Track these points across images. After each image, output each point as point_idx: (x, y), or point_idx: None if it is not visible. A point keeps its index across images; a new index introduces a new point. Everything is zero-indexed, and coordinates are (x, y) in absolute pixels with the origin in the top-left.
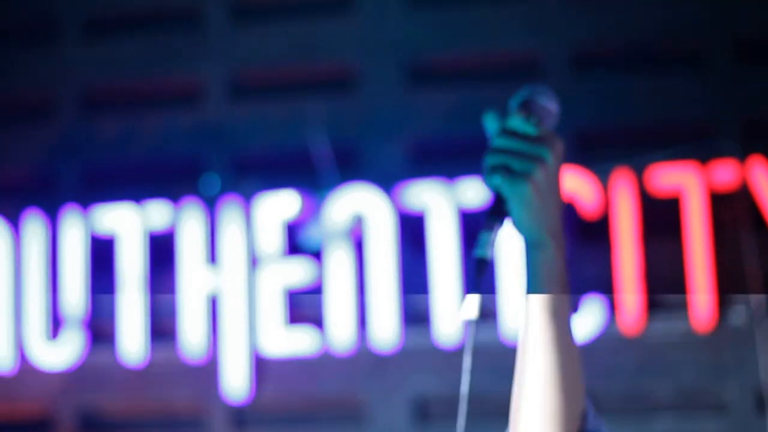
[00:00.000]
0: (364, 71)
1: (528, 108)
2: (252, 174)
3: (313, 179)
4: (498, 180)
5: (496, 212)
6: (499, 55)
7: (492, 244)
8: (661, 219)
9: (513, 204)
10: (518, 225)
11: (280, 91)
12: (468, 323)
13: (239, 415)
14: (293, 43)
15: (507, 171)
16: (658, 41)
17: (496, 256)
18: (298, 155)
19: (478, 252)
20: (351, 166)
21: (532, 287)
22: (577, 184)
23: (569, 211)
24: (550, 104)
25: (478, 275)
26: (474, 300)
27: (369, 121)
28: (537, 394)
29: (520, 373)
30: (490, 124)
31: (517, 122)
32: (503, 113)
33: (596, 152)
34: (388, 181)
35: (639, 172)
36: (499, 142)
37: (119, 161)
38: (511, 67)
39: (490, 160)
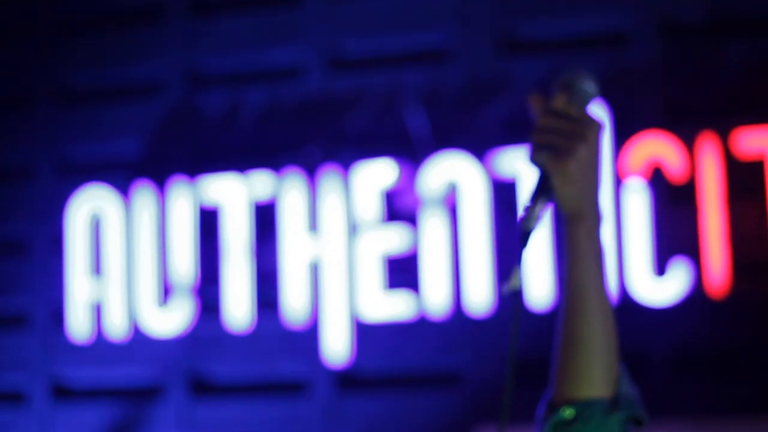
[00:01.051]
0: (459, 42)
1: (569, 89)
2: (351, 144)
3: (410, 148)
4: (543, 157)
5: (541, 188)
6: (587, 25)
7: (538, 217)
8: (746, 182)
9: (556, 180)
10: (561, 199)
11: (378, 64)
12: (514, 293)
13: (341, 379)
14: (389, 16)
15: (551, 149)
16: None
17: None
18: (395, 125)
19: (526, 225)
20: (446, 135)
21: (572, 257)
22: (663, 149)
23: (656, 176)
24: (590, 86)
25: (524, 247)
26: (521, 271)
27: (464, 90)
28: (574, 357)
29: (559, 337)
30: (536, 104)
31: (560, 103)
32: (547, 95)
33: (682, 117)
34: (482, 149)
35: (724, 136)
36: (543, 121)
37: (225, 134)
38: (599, 37)
39: (535, 138)
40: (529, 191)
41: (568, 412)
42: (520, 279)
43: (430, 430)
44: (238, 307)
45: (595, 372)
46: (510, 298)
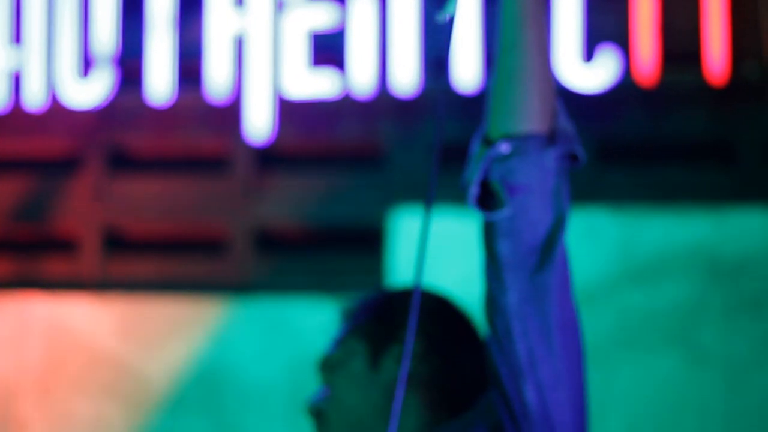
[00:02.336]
0: None
1: None
2: None
3: None
4: None
5: None
6: None
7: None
8: None
9: None
10: None
11: None
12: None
13: (261, 156)
14: None
15: None
16: None
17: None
18: None
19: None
20: None
21: None
22: None
23: None
24: None
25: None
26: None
27: None
28: (511, 89)
29: (495, 70)
30: None
31: None
32: None
33: None
34: None
35: None
36: None
37: None
38: None
39: None
40: None
41: (504, 147)
42: (455, 5)
43: (352, 210)
44: (159, 80)
45: (533, 105)
46: (436, 68)
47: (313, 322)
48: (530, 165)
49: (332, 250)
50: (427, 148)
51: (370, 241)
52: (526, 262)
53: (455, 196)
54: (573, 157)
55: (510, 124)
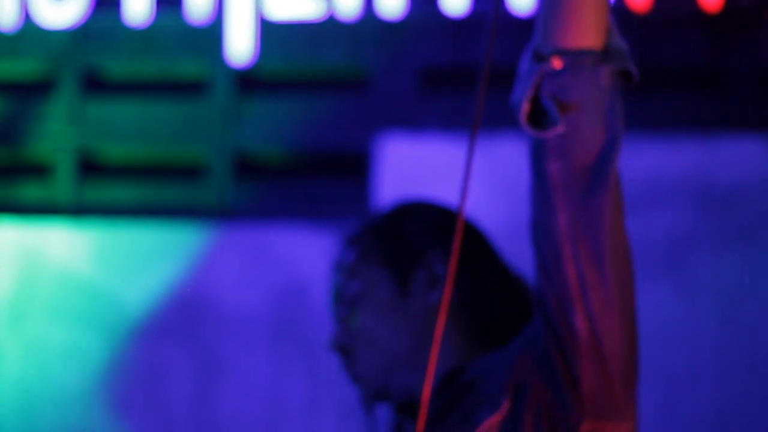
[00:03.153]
0: None
1: None
2: None
3: None
4: None
5: None
6: None
7: None
8: None
9: None
10: None
11: None
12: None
13: (242, 80)
14: None
15: None
16: None
17: None
18: None
19: None
20: None
21: None
22: None
23: None
24: None
25: None
26: None
27: None
28: (565, 3)
29: None
30: None
31: None
32: None
33: None
34: None
35: None
36: None
37: None
38: None
39: None
40: None
41: (556, 62)
42: None
43: (335, 135)
44: (137, 0)
45: (587, 19)
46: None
47: (294, 248)
48: (583, 81)
49: (315, 175)
50: (411, 74)
51: (353, 167)
52: (577, 184)
53: (494, 122)
54: (626, 76)
55: (563, 39)
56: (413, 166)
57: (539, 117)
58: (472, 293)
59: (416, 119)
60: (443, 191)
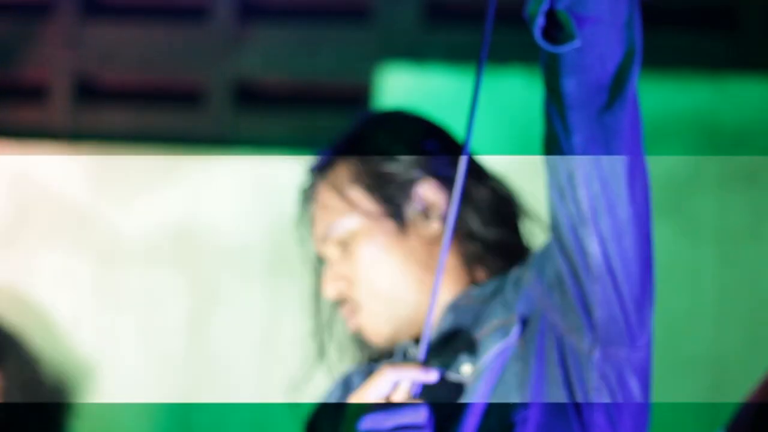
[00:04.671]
0: None
1: None
2: None
3: None
4: None
5: None
6: None
7: None
8: None
9: None
10: None
11: None
12: None
13: (243, 5)
14: None
15: None
16: None
17: None
18: None
19: None
20: None
21: None
22: None
23: None
24: None
25: None
26: None
27: None
28: None
29: None
30: None
31: None
32: None
33: None
34: None
35: None
36: None
37: None
38: None
39: None
40: None
41: None
42: None
43: (337, 65)
44: None
45: None
46: None
47: (293, 179)
48: None
49: (316, 105)
50: (421, 3)
51: (355, 98)
52: (593, 101)
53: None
54: None
55: None
56: (416, 99)
57: (554, 31)
58: (469, 215)
59: (421, 51)
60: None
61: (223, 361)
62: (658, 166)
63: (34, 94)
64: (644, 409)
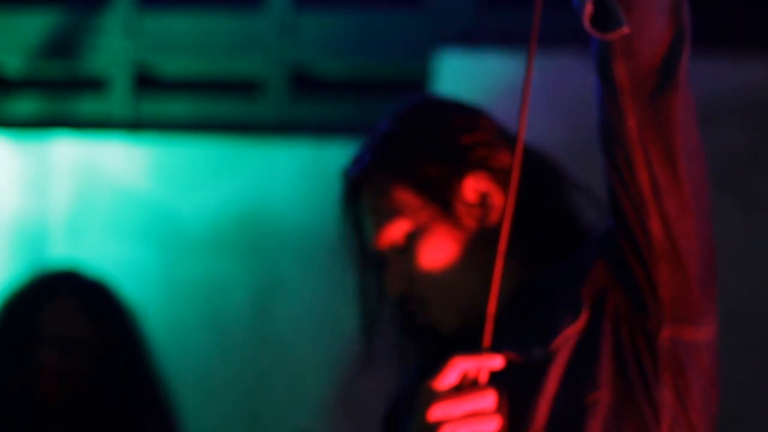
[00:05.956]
0: None
1: None
2: None
3: None
4: None
5: None
6: None
7: None
8: None
9: None
10: None
11: None
12: None
13: None
14: None
15: None
16: None
17: None
18: None
19: None
20: None
21: None
22: None
23: None
24: None
25: None
26: None
27: None
28: None
29: None
30: None
31: None
32: None
33: None
34: None
35: None
36: None
37: None
38: None
39: None
40: None
41: None
42: None
43: (390, 52)
44: None
45: None
46: None
47: None
48: None
49: (372, 91)
50: None
51: (412, 83)
52: (645, 85)
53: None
54: None
55: None
56: (472, 83)
57: (603, 18)
58: (527, 206)
59: (476, 35)
60: (502, 109)
61: (286, 345)
62: (717, 143)
63: (96, 84)
64: (713, 385)
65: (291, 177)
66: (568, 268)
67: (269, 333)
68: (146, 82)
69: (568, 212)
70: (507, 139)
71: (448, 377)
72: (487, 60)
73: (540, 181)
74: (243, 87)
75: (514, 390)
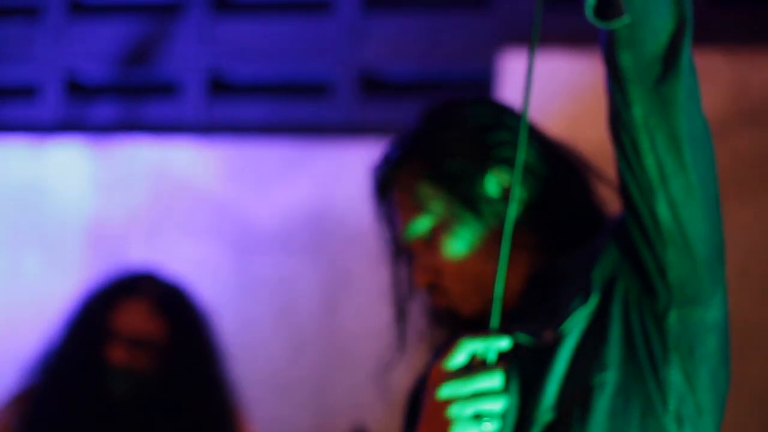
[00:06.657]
0: None
1: None
2: None
3: None
4: None
5: None
6: None
7: None
8: None
9: None
10: None
11: None
12: None
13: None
14: None
15: None
16: None
17: None
18: None
19: None
20: None
21: None
22: None
23: None
24: None
25: None
26: None
27: None
28: None
29: None
30: None
31: None
32: None
33: None
34: None
35: None
36: None
37: None
38: None
39: None
40: None
41: None
42: None
43: (456, 53)
44: None
45: None
46: None
47: None
48: None
49: (439, 92)
50: None
51: (478, 84)
52: (649, 73)
53: (561, 37)
54: None
55: None
56: (536, 83)
57: (606, 8)
58: (546, 191)
59: (540, 36)
60: (567, 108)
61: (355, 341)
62: (740, 146)
63: (170, 89)
64: (721, 366)
65: (359, 177)
66: (584, 254)
67: (338, 328)
68: (219, 86)
69: (590, 205)
70: (533, 136)
71: (457, 357)
72: (552, 60)
73: (563, 174)
74: (313, 89)
75: (525, 370)
